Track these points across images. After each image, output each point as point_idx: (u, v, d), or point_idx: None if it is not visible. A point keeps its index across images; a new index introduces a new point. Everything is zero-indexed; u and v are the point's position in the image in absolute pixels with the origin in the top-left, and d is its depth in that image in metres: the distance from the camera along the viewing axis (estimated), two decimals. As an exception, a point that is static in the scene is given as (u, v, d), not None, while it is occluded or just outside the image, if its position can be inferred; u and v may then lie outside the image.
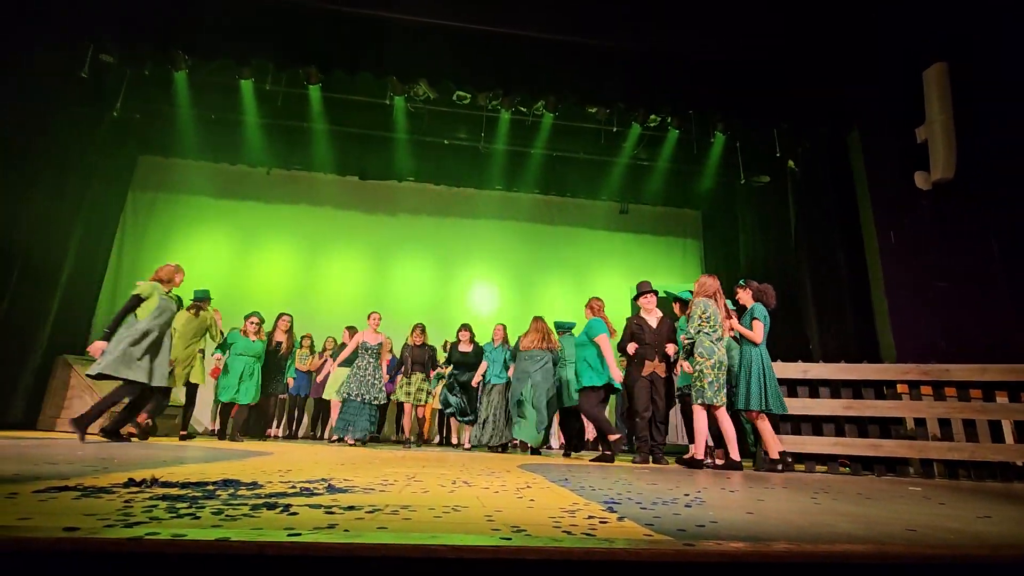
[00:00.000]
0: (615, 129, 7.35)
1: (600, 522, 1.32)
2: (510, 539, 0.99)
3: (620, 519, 1.38)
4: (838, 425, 4.26)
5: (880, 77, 5.83)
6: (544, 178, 8.40)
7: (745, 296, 4.37)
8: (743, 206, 8.31)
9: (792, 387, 4.36)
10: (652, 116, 6.87)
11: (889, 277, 5.56)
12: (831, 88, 6.05)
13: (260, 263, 8.22)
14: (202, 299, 5.48)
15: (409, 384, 6.28)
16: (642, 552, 0.91)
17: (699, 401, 3.99)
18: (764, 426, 4.05)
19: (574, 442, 5.66)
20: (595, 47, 5.80)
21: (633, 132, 7.46)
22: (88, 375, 4.35)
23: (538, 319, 5.64)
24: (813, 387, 4.36)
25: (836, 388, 4.33)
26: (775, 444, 4.00)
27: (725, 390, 4.01)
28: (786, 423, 4.32)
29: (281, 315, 6.27)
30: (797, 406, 4.30)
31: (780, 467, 3.89)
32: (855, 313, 5.95)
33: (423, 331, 6.39)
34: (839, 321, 6.13)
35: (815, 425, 4.29)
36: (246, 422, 5.79)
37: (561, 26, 5.61)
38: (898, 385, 4.25)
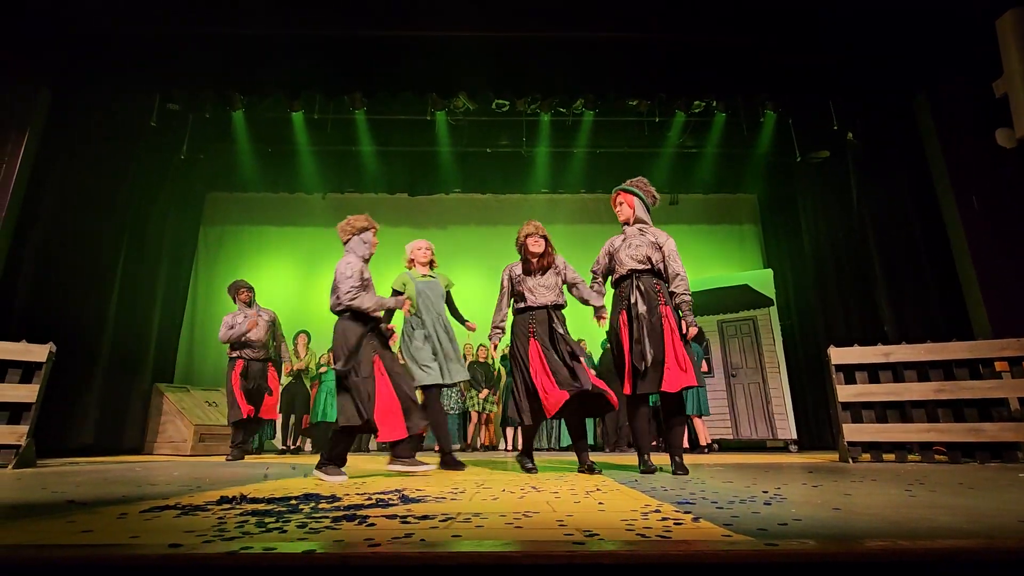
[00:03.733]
0: (658, 119, 7.17)
1: (675, 523, 1.28)
2: (583, 544, 0.98)
3: (695, 520, 1.34)
4: (929, 411, 3.94)
5: (948, 30, 5.38)
6: (589, 177, 8.28)
7: None
8: (802, 185, 7.88)
9: (873, 372, 4.08)
10: (696, 102, 6.65)
11: (975, 246, 5.10)
12: (893, 50, 5.63)
13: (322, 285, 8.59)
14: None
15: (476, 396, 7.19)
16: (721, 554, 0.89)
17: None
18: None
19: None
20: (631, 40, 5.69)
21: (677, 121, 7.25)
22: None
23: None
24: (897, 371, 4.06)
25: (924, 371, 4.01)
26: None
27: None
28: (869, 411, 4.06)
29: None
30: (880, 392, 4.02)
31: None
32: (939, 288, 5.50)
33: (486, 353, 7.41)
34: (921, 299, 5.69)
35: (902, 412, 4.00)
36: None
37: (595, 23, 5.54)
38: (996, 363, 3.87)
